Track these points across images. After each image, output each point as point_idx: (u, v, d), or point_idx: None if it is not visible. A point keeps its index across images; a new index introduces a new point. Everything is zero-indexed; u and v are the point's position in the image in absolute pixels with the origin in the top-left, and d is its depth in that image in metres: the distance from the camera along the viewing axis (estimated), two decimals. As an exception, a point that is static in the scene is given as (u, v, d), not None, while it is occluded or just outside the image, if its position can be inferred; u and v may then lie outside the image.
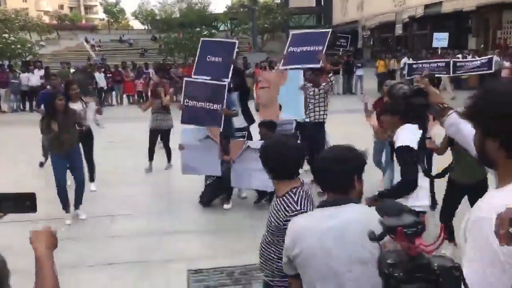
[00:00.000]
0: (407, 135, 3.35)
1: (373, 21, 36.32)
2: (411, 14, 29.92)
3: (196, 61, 6.67)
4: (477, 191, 4.25)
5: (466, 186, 4.55)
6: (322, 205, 2.05)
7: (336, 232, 1.89)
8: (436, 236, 1.08)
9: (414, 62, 14.08)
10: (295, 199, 2.45)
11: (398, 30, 32.55)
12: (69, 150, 5.98)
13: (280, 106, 6.49)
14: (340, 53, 21.48)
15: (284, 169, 2.51)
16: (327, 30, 6.88)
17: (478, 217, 1.29)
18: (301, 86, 6.54)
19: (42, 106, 8.09)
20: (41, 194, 6.83)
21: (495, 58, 14.22)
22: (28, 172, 8.39)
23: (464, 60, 14.66)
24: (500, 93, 1.40)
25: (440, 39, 19.35)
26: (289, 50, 6.49)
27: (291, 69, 6.52)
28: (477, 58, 14.09)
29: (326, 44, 6.33)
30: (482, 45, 24.10)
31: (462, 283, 1.05)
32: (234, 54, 6.39)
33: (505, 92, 1.39)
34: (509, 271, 1.19)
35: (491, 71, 12.54)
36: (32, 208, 1.88)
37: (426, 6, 28.14)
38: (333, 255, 1.87)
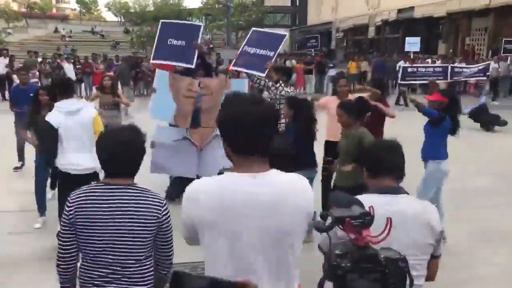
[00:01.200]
0: None
1: (347, 23, 36.74)
2: (384, 17, 30.42)
3: (155, 44, 6.26)
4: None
5: (343, 189, 4.64)
6: (380, 192, 2.14)
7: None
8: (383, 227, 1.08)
9: (409, 65, 13.88)
10: (81, 190, 2.19)
11: (371, 33, 33.06)
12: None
13: None
14: (313, 54, 21.66)
15: (114, 167, 2.18)
16: (284, 34, 6.59)
17: None
18: (264, 85, 6.17)
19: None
20: (13, 183, 6.63)
21: (493, 65, 14.24)
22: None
23: (462, 66, 14.57)
24: (224, 102, 1.72)
25: (412, 44, 19.82)
26: (244, 49, 6.25)
27: (236, 72, 6.26)
28: (475, 65, 14.10)
29: (278, 50, 6.13)
30: (451, 50, 24.68)
31: (407, 274, 1.07)
32: (199, 38, 6.19)
33: (226, 102, 1.71)
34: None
35: (485, 78, 12.59)
36: None
37: (399, 11, 28.65)
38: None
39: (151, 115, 6.06)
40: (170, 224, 2.25)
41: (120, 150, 2.12)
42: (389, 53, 26.81)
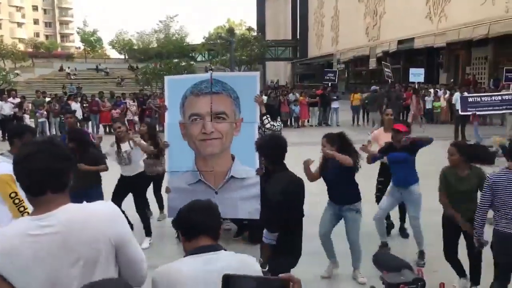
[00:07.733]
0: None
1: (348, 55, 37.26)
2: (385, 49, 30.83)
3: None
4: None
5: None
6: (196, 252, 2.10)
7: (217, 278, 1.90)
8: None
9: (469, 95, 12.67)
10: None
11: (372, 64, 33.43)
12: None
13: (233, 157, 5.89)
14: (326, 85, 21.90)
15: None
16: (255, 74, 6.24)
17: None
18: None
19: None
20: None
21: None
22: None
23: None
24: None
25: (416, 74, 19.86)
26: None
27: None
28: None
29: (258, 90, 5.93)
30: (452, 80, 24.90)
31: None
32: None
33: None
34: None
35: None
36: None
37: (399, 42, 29.08)
38: None
39: (169, 170, 6.10)
40: None
41: None
42: (391, 83, 27.03)
